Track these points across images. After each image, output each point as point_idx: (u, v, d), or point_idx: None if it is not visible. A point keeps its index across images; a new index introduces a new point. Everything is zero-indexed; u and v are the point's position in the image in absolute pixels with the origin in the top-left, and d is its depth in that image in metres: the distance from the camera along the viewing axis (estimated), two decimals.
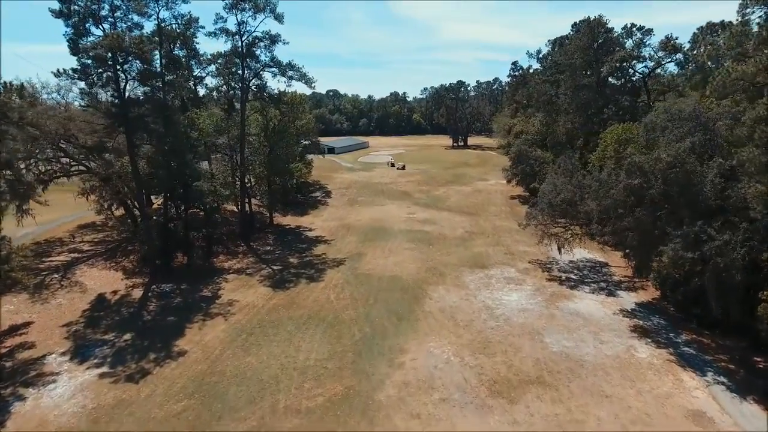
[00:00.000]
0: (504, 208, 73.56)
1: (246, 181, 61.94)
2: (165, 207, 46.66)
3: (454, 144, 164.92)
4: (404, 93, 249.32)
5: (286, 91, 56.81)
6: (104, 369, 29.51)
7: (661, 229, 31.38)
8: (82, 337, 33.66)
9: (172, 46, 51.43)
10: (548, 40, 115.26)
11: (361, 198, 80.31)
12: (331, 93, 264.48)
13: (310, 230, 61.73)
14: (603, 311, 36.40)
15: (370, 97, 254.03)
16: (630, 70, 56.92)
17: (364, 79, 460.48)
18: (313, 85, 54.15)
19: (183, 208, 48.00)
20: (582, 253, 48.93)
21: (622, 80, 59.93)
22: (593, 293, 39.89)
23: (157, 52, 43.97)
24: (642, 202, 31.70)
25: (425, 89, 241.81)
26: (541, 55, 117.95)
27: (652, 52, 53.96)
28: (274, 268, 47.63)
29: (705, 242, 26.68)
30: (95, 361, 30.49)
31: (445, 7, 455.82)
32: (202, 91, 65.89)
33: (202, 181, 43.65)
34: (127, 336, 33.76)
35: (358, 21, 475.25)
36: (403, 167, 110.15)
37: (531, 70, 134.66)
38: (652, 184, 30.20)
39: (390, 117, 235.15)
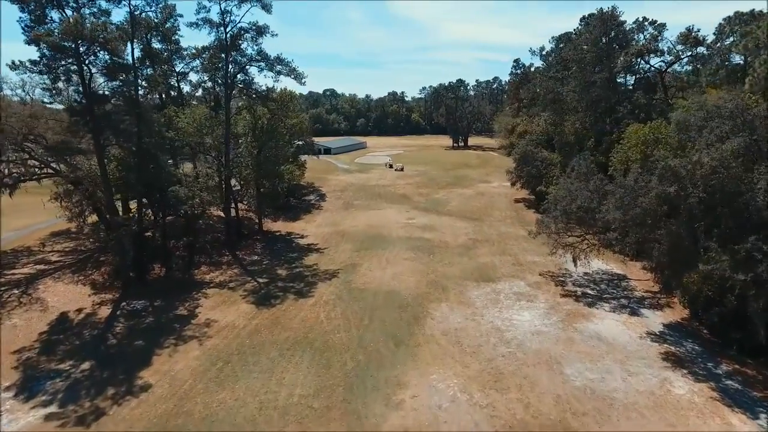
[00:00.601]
0: (509, 212, 69.36)
1: (233, 184, 57.71)
2: (139, 214, 42.30)
3: (454, 144, 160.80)
4: (402, 92, 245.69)
5: (275, 87, 52.58)
6: (52, 408, 25.18)
7: (697, 243, 27.21)
8: (33, 366, 29.33)
9: (149, 38, 47.16)
10: (552, 37, 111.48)
11: (357, 201, 76.04)
12: (328, 92, 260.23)
13: (302, 237, 57.43)
14: (628, 334, 32.20)
15: (367, 96, 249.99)
16: (646, 64, 52.81)
17: (362, 79, 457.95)
18: (303, 80, 49.89)
19: (161, 215, 43.64)
20: (597, 263, 44.71)
21: (637, 76, 55.76)
22: (614, 312, 35.69)
23: (129, 43, 39.68)
24: (676, 212, 27.51)
25: (424, 88, 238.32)
26: (544, 52, 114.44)
27: (671, 46, 49.83)
28: (260, 281, 43.34)
29: (760, 261, 22.51)
30: (44, 397, 26.14)
31: (444, 7, 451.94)
32: (187, 88, 61.66)
33: (180, 186, 39.30)
34: (86, 365, 29.43)
35: (356, 21, 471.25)
36: (402, 169, 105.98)
37: (533, 68, 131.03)
38: (690, 192, 26.02)
39: (388, 117, 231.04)
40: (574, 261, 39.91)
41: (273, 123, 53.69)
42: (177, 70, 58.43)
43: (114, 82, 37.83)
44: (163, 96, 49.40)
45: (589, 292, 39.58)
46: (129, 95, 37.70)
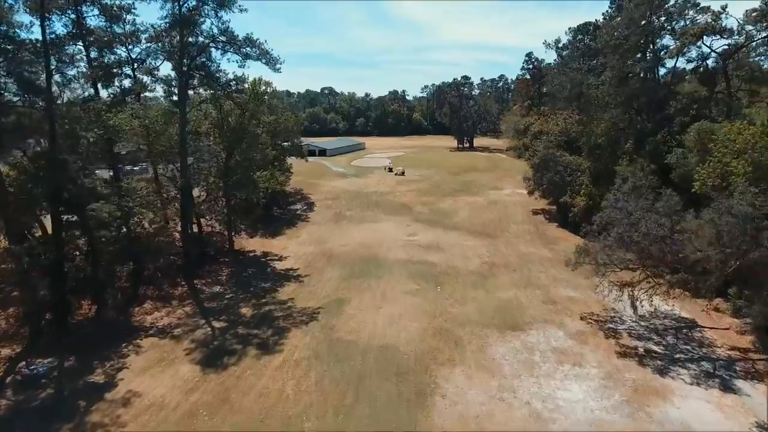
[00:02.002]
0: (527, 227, 59.09)
1: (197, 195, 47.56)
2: (56, 236, 32.12)
3: (459, 145, 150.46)
4: (404, 91, 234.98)
5: (245, 76, 42.33)
6: None
7: None
8: None
9: (80, 11, 37.02)
10: (569, 28, 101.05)
11: (351, 212, 65.80)
12: (326, 91, 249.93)
13: (280, 260, 47.21)
14: (728, 426, 21.97)
15: (367, 95, 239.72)
16: (707, 49, 42.61)
17: (361, 79, 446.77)
18: (277, 66, 39.74)
19: (86, 238, 33.50)
20: (654, 301, 34.33)
21: (695, 63, 45.50)
22: (698, 384, 25.42)
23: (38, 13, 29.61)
24: None
25: (426, 87, 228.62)
26: (560, 45, 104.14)
27: (739, 25, 39.61)
28: (216, 325, 33.19)
29: None
30: None
31: (442, 8, 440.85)
32: (147, 79, 51.29)
33: (104, 203, 29.11)
34: None
35: (355, 21, 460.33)
36: (403, 173, 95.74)
37: (546, 64, 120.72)
38: None
39: (389, 116, 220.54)
40: (633, 306, 29.75)
41: (242, 120, 43.46)
42: (133, 56, 48.21)
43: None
44: (97, 84, 39.11)
45: (654, 348, 29.28)
46: (25, 79, 27.48)
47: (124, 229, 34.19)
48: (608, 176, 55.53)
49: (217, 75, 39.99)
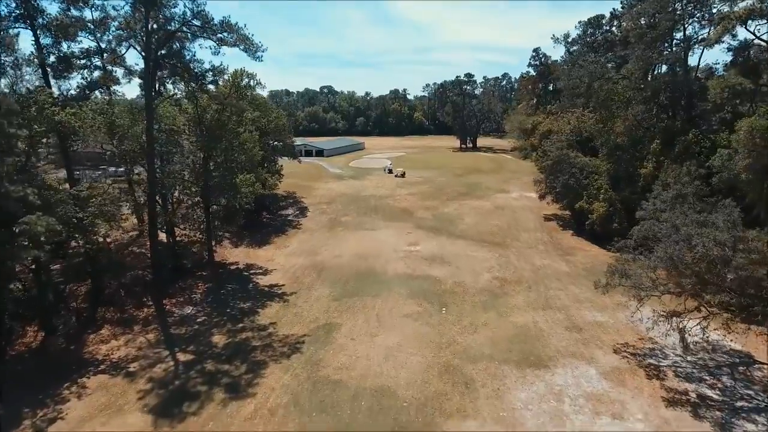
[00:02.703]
0: (540, 235, 53.79)
1: (171, 201, 42.39)
2: None
3: (462, 146, 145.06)
4: (405, 90, 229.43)
5: (224, 66, 37.02)
6: None
7: None
8: None
9: None
10: (579, 21, 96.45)
11: (347, 218, 60.55)
12: (325, 89, 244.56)
13: (265, 274, 42.02)
14: None
15: (367, 94, 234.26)
16: (748, 35, 37.29)
17: (362, 79, 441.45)
18: (258, 54, 34.56)
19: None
20: (696, 329, 29.03)
21: (732, 53, 40.20)
22: None
23: None
24: None
25: (427, 86, 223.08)
26: (569, 39, 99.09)
27: None
28: (181, 358, 28.04)
29: None
30: None
31: (443, 8, 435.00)
32: (119, 72, 46.12)
33: (40, 216, 23.87)
34: None
35: (356, 22, 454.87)
36: (403, 174, 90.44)
37: (550, 61, 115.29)
38: None
39: (389, 116, 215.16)
40: (683, 341, 24.55)
41: (221, 117, 38.23)
42: (103, 45, 43.07)
43: None
44: (46, 69, 33.93)
45: (709, 393, 23.99)
46: None
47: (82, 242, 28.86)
48: (629, 179, 50.41)
49: (191, 65, 34.74)
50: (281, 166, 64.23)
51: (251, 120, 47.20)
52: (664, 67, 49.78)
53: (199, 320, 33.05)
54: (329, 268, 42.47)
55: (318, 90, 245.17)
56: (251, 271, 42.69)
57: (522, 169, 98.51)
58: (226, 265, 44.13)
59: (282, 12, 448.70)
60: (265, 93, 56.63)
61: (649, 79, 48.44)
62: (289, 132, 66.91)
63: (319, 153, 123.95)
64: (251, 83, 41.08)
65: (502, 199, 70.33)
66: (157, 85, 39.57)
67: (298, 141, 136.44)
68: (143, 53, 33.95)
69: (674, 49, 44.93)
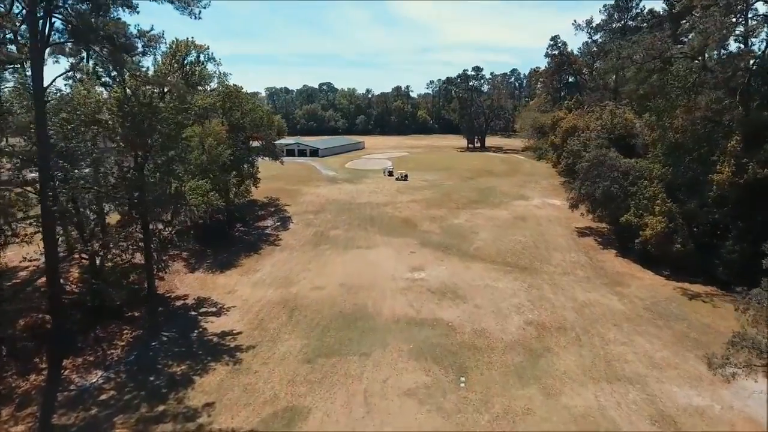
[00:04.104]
0: (576, 255, 43.02)
1: (89, 215, 31.77)
2: None
3: (469, 145, 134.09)
4: (408, 87, 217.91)
5: (156, 33, 26.34)
6: None
7: None
8: None
9: None
10: (603, 6, 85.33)
11: (336, 232, 49.90)
12: (324, 86, 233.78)
13: (219, 313, 31.48)
14: None
15: (368, 91, 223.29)
16: None
17: (364, 79, 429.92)
18: (196, 10, 24.00)
19: None
20: None
21: None
22: None
23: None
24: None
25: (431, 82, 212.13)
26: (593, 26, 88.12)
27: None
28: None
29: None
30: None
31: (446, 8, 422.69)
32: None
33: None
34: None
35: (358, 21, 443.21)
36: (405, 177, 79.67)
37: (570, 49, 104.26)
38: None
39: (391, 114, 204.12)
40: None
41: (152, 103, 27.66)
42: None
43: None
44: None
45: None
46: None
47: None
48: (693, 188, 39.60)
49: (101, 26, 24.14)
50: (257, 169, 53.74)
51: (210, 109, 36.60)
52: (733, 46, 39.08)
53: (102, 398, 22.51)
54: (305, 307, 31.87)
55: (317, 87, 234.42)
56: (202, 310, 32.15)
57: (538, 171, 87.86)
58: (171, 301, 33.60)
59: (284, 11, 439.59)
60: (224, 72, 45.87)
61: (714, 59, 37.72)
62: (270, 128, 56.28)
63: (314, 153, 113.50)
64: (201, 58, 30.50)
65: (521, 208, 59.50)
66: (71, 61, 28.92)
67: (291, 140, 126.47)
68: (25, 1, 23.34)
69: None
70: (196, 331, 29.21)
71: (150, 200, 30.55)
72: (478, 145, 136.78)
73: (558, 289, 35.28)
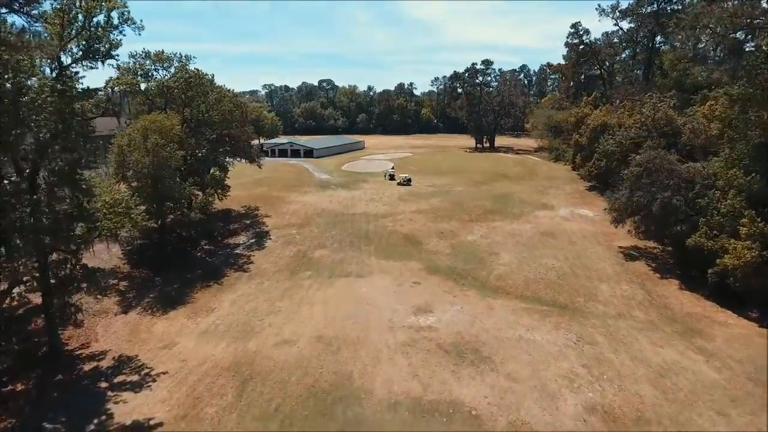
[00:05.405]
0: (629, 288, 33.15)
1: None
2: None
3: (478, 145, 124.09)
4: (411, 84, 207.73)
5: None
6: None
7: None
8: None
9: None
10: None
11: (321, 252, 40.23)
12: (324, 83, 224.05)
13: (140, 385, 21.92)
14: None
15: (370, 88, 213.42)
16: None
17: (365, 79, 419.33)
18: None
19: None
20: None
21: None
22: None
23: None
24: None
25: (436, 79, 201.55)
26: (618, 11, 77.93)
27: None
28: None
29: None
30: None
31: (450, 8, 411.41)
32: None
33: None
34: None
35: (362, 21, 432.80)
36: (409, 181, 69.88)
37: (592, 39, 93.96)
38: None
39: (394, 112, 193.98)
40: None
41: (41, 83, 18.28)
42: None
43: None
44: None
45: None
46: None
47: None
48: None
49: None
50: (224, 175, 44.17)
51: (135, 92, 27.03)
52: None
53: None
54: (264, 376, 22.26)
55: (317, 84, 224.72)
56: (118, 378, 22.58)
57: (557, 175, 78.08)
58: (80, 362, 24.04)
59: (288, 10, 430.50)
60: (186, 55, 36.34)
61: None
62: (241, 122, 46.66)
63: (308, 153, 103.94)
64: (114, 20, 20.90)
65: (547, 220, 49.66)
66: None
67: (284, 139, 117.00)
68: None
69: None
70: (95, 420, 19.66)
71: (44, 224, 21.10)
72: (487, 145, 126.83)
73: (618, 343, 25.56)
